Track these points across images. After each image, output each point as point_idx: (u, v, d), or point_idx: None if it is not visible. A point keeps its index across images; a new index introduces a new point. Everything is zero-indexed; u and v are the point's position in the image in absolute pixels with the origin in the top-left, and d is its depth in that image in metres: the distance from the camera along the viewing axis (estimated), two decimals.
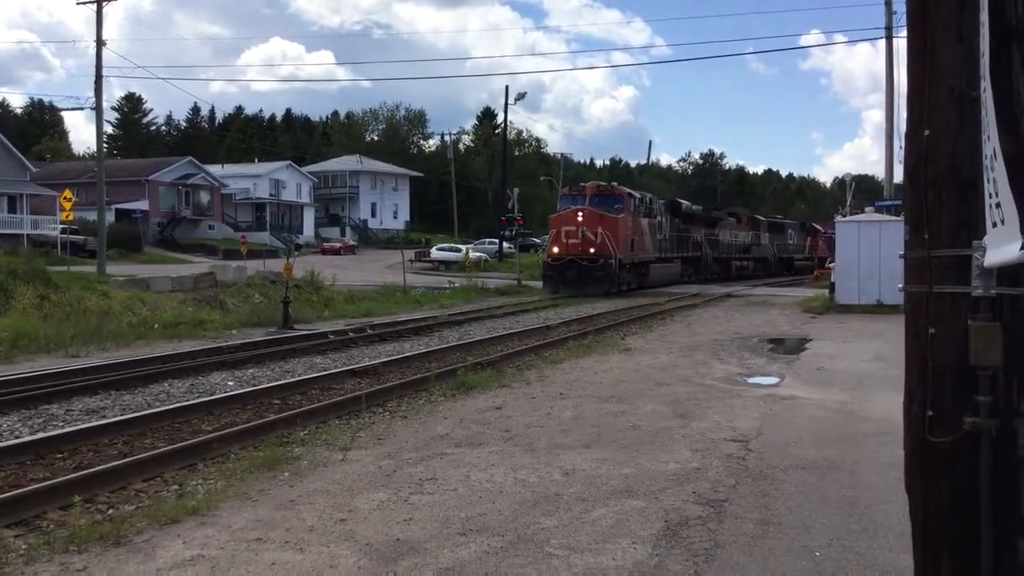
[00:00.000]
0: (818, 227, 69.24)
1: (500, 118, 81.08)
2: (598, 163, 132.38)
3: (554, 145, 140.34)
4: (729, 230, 49.57)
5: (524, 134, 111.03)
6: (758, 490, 6.46)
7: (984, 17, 2.30)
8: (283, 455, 7.44)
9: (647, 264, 35.32)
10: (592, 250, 31.34)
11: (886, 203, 29.38)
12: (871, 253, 23.18)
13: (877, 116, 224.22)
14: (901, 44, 26.73)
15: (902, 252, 2.94)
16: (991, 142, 2.26)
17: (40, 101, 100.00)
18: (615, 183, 37.23)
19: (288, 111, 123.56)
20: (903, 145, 2.97)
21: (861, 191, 61.26)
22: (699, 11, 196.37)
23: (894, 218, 24.89)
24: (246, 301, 24.05)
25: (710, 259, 45.37)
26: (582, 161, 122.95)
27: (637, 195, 35.50)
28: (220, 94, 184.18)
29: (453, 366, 12.85)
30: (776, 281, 47.78)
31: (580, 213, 31.86)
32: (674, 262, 39.38)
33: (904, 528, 3.28)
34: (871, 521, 5.69)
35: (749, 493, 6.37)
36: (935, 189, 2.72)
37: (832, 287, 25.84)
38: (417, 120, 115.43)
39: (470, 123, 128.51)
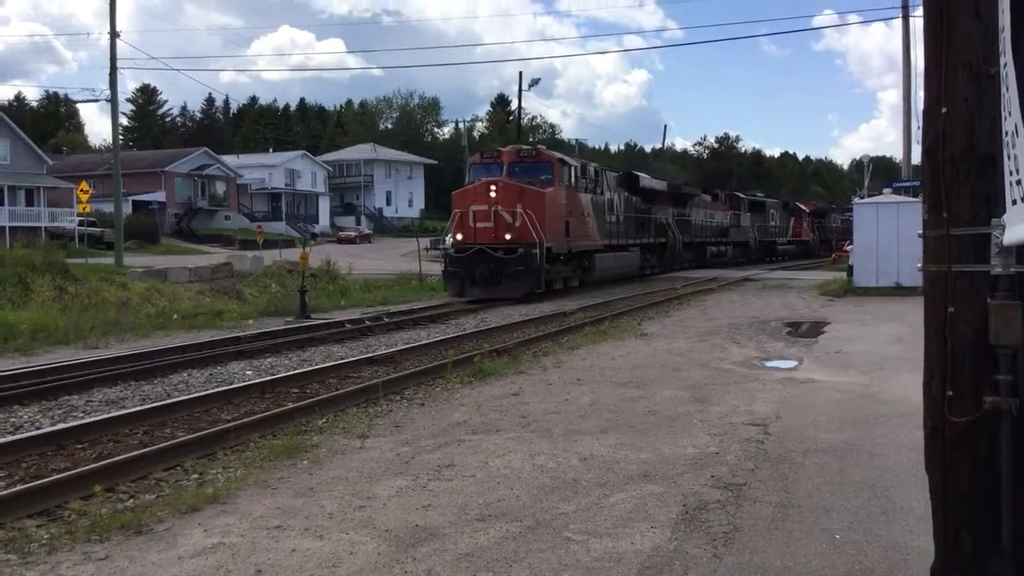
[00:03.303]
0: (803, 207, 63.94)
1: (514, 104, 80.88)
2: (612, 148, 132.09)
3: (568, 131, 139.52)
4: (704, 210, 42.79)
5: (538, 120, 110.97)
6: (777, 473, 6.43)
7: None
8: (302, 443, 7.47)
9: (591, 254, 27.54)
10: (509, 236, 23.22)
11: (904, 184, 29.15)
12: (889, 235, 23.04)
13: (893, 97, 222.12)
14: (918, 23, 26.42)
15: (921, 231, 2.91)
16: (1012, 118, 2.23)
17: (55, 94, 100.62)
18: (542, 147, 29.38)
19: (302, 100, 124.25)
20: (921, 125, 2.94)
21: (879, 172, 60.43)
22: None
23: (912, 199, 24.72)
24: (263, 291, 24.22)
25: (679, 245, 38.15)
26: (597, 146, 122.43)
27: (574, 163, 27.11)
28: (233, 84, 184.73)
29: (469, 353, 12.83)
30: (793, 264, 47.47)
31: (493, 187, 23.58)
32: (630, 250, 31.45)
33: (924, 510, 3.26)
34: (891, 503, 5.66)
35: (768, 477, 6.35)
36: (953, 166, 2.70)
37: (850, 270, 25.71)
38: (431, 108, 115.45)
39: (483, 110, 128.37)
